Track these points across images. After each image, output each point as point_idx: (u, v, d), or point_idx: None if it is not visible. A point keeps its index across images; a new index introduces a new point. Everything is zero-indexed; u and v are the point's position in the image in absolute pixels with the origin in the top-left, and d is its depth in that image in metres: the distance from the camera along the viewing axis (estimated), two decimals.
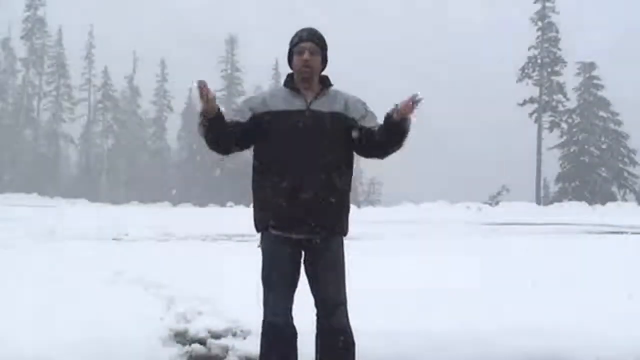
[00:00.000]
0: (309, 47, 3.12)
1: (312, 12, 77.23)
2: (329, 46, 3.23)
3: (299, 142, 3.05)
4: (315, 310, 3.18)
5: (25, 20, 58.17)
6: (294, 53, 3.16)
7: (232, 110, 3.17)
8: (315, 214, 3.05)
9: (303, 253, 3.17)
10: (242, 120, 3.11)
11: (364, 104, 3.23)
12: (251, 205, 3.27)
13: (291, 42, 3.17)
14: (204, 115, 2.97)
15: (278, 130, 3.08)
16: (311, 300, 3.18)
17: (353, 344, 3.19)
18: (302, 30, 3.18)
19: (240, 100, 3.28)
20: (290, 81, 3.18)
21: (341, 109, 3.15)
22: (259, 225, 3.18)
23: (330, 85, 3.22)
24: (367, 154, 3.23)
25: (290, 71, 3.21)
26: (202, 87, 2.89)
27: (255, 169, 3.19)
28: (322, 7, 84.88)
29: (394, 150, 3.17)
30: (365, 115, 3.18)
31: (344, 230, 3.20)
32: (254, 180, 3.20)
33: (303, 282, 3.20)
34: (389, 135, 3.08)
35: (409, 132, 3.07)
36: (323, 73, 3.23)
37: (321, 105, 3.13)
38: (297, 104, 3.11)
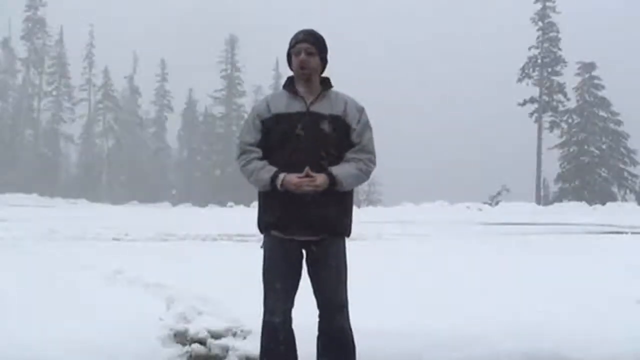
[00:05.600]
0: (305, 47, 3.11)
1: (312, 11, 77.23)
2: (333, 47, 3.22)
3: (299, 144, 3.06)
4: (317, 311, 3.19)
5: (25, 20, 58.21)
6: (292, 54, 3.16)
7: (249, 128, 3.16)
8: (316, 216, 3.05)
9: (305, 254, 3.17)
10: (259, 137, 3.14)
11: (360, 111, 3.19)
12: (251, 205, 3.30)
13: (289, 43, 3.18)
14: (276, 184, 3.01)
15: (279, 133, 3.10)
16: (313, 300, 3.18)
17: (354, 345, 3.20)
18: (300, 32, 3.18)
19: (250, 112, 3.37)
20: (290, 84, 3.18)
21: (340, 112, 3.14)
22: (262, 226, 3.20)
23: (331, 87, 3.21)
24: None
25: (291, 73, 3.20)
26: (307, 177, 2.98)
27: None
28: (323, 7, 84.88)
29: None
30: (356, 127, 3.14)
31: (345, 232, 3.20)
32: None
33: (304, 282, 3.20)
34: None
35: (351, 185, 3.11)
36: (324, 75, 3.21)
37: (321, 107, 3.13)
38: (296, 107, 3.11)
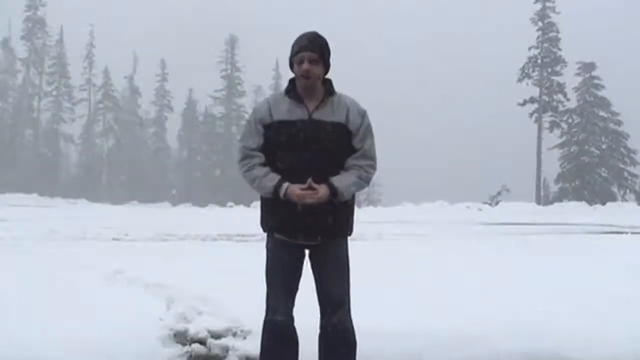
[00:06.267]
0: (308, 56, 3.06)
1: (312, 11, 77.24)
2: (333, 47, 3.18)
3: (301, 151, 3.04)
4: (317, 310, 3.19)
5: (25, 20, 58.20)
6: (294, 61, 3.11)
7: (251, 132, 3.14)
8: (318, 222, 3.06)
9: (307, 253, 3.18)
10: (261, 142, 3.13)
11: (362, 115, 3.17)
12: (251, 205, 3.30)
13: (292, 48, 3.12)
14: (279, 194, 3.01)
15: (281, 140, 3.08)
16: (314, 299, 3.19)
17: (355, 344, 3.20)
18: (303, 37, 3.11)
19: (250, 114, 3.41)
20: (292, 89, 3.14)
21: (342, 119, 3.11)
22: (265, 227, 3.22)
23: (333, 91, 3.17)
24: None
25: (292, 75, 3.17)
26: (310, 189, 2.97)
27: None
28: (323, 7, 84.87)
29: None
30: (357, 133, 3.13)
31: (347, 232, 3.21)
32: None
33: (305, 282, 3.20)
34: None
35: (351, 194, 3.11)
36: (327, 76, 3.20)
37: (323, 114, 3.10)
38: (299, 113, 3.09)
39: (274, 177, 3.05)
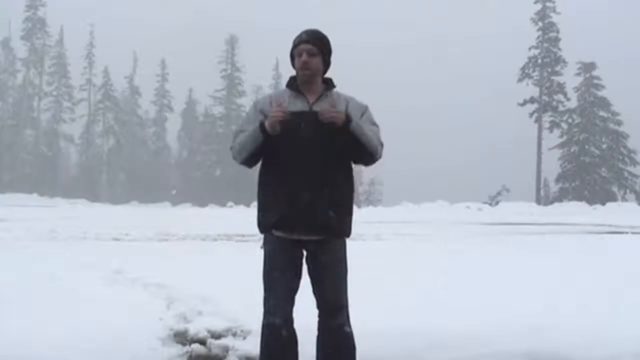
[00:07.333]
0: (307, 49, 3.11)
1: (312, 12, 77.24)
2: (333, 47, 3.21)
3: (301, 142, 3.05)
4: (317, 312, 3.18)
5: (25, 20, 58.22)
6: (294, 54, 3.16)
7: (250, 119, 3.17)
8: (318, 214, 3.05)
9: (305, 255, 3.16)
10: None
11: (362, 109, 3.20)
12: (251, 205, 3.29)
13: (293, 43, 3.17)
14: (266, 132, 3.01)
15: (281, 131, 3.07)
16: (313, 300, 3.18)
17: (354, 345, 3.19)
18: (303, 32, 3.18)
19: (249, 107, 3.44)
20: (292, 83, 3.18)
21: (342, 110, 3.13)
22: (262, 226, 3.18)
23: (334, 87, 3.22)
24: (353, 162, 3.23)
25: (293, 73, 3.20)
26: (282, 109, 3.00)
27: (260, 170, 3.20)
28: (325, 7, 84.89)
29: (366, 161, 3.18)
30: (359, 120, 3.14)
31: (346, 232, 3.19)
32: (259, 182, 3.21)
33: (305, 281, 3.19)
34: (349, 147, 3.10)
35: (363, 136, 3.07)
36: (326, 75, 3.22)
37: (323, 106, 3.11)
38: (299, 105, 3.11)
39: (255, 125, 3.07)
